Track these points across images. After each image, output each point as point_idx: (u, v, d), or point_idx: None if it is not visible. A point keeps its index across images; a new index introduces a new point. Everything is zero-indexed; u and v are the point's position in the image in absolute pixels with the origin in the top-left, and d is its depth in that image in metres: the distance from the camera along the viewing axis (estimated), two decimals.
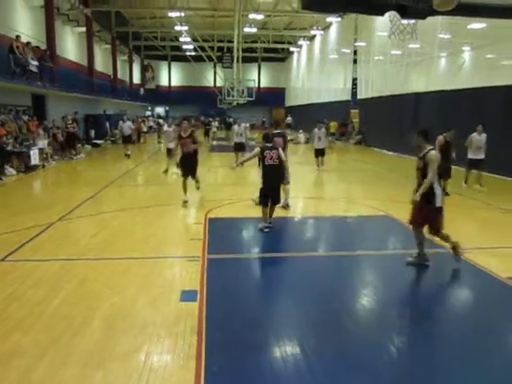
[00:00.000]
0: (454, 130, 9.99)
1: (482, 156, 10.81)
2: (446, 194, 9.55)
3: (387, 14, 3.14)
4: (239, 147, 14.72)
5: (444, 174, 9.67)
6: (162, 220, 7.73)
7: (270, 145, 7.12)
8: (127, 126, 17.88)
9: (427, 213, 5.31)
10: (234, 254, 5.93)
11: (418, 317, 4.45)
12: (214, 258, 5.66)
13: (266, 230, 6.85)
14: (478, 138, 10.85)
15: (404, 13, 2.98)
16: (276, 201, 7.06)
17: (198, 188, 9.16)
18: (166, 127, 14.12)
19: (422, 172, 5.32)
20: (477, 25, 18.63)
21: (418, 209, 5.35)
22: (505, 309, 4.54)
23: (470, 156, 10.90)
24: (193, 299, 4.38)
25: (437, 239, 5.76)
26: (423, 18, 3.05)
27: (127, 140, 18.10)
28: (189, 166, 8.78)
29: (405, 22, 3.48)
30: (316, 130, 14.48)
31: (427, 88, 18.71)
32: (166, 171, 12.75)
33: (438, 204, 5.28)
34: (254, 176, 9.90)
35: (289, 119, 39.30)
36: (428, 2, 2.80)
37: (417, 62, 21.82)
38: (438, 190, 5.29)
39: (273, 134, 8.53)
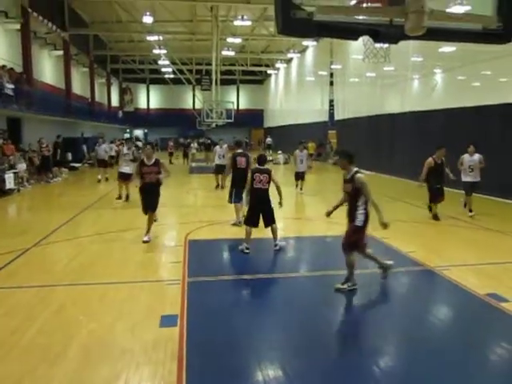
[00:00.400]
0: (443, 147, 9.67)
1: (475, 179, 10.04)
2: (436, 218, 9.56)
3: (361, 39, 3.21)
4: (220, 169, 13.66)
5: (435, 197, 9.67)
6: (141, 243, 7.61)
7: (262, 167, 6.93)
8: (102, 150, 17.27)
9: (350, 232, 5.23)
10: (214, 276, 5.86)
11: (400, 334, 4.46)
12: (195, 281, 5.59)
13: (247, 251, 6.82)
14: (469, 159, 10.14)
15: (377, 37, 3.06)
16: (269, 222, 6.94)
17: (155, 220, 8.17)
18: (125, 149, 13.20)
19: (353, 195, 5.20)
20: (447, 48, 19.31)
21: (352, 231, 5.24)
22: (483, 325, 4.60)
23: (463, 179, 10.19)
24: (173, 324, 4.30)
25: (417, 257, 5.84)
26: (395, 42, 3.13)
27: (102, 164, 17.32)
28: (150, 199, 7.70)
29: (378, 45, 3.60)
30: (298, 151, 13.70)
31: (402, 109, 19.19)
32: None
33: (359, 224, 5.17)
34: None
35: (269, 140, 39.25)
36: (399, 27, 2.88)
37: (391, 84, 22.41)
38: (363, 211, 5.20)
39: (235, 154, 8.61)
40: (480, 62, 20.13)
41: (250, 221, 6.91)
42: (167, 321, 4.39)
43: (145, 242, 7.55)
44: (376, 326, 4.61)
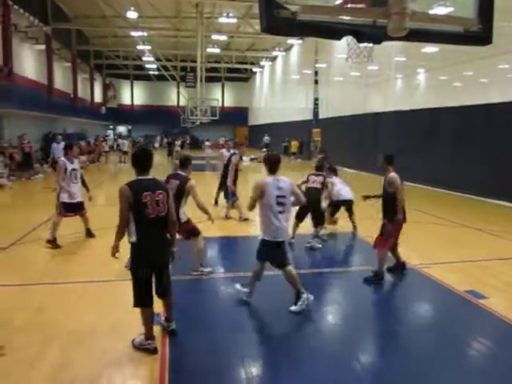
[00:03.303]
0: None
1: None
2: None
3: (344, 38, 3.23)
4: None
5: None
6: (123, 242, 7.51)
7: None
8: (60, 150, 14.04)
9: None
10: (199, 274, 5.84)
11: (382, 330, 4.52)
12: (179, 280, 5.55)
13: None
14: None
15: (360, 37, 3.08)
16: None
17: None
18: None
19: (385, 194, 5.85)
20: (430, 49, 19.54)
21: None
22: (462, 321, 4.68)
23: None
24: (156, 322, 4.26)
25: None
26: (378, 42, 3.16)
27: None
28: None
29: (361, 45, 3.63)
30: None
31: (385, 108, 19.37)
32: None
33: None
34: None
35: (266, 138, 35.52)
36: (382, 28, 2.91)
37: (375, 83, 22.62)
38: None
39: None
40: (462, 63, 20.46)
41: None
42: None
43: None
44: (358, 322, 4.66)
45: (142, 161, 3.80)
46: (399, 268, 6.04)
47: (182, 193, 5.49)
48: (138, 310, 3.90)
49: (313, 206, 7.03)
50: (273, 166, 4.75)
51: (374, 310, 5.12)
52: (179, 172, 5.74)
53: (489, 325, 4.64)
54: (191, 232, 5.79)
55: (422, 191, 14.77)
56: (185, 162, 5.78)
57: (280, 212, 4.61)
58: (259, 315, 4.78)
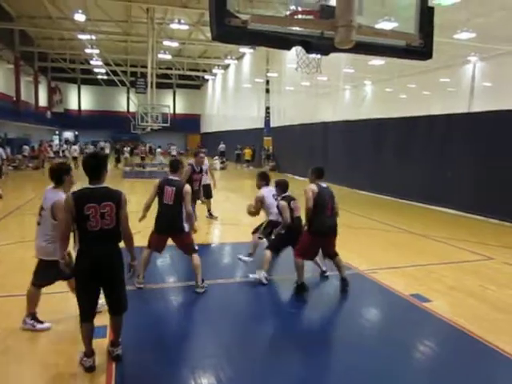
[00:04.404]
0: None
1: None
2: None
3: (294, 49, 3.29)
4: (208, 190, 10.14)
5: None
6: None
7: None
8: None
9: None
10: (149, 283, 5.69)
11: (329, 335, 4.59)
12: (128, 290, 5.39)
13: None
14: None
15: (309, 48, 3.14)
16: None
17: None
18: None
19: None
20: (376, 61, 20.35)
21: None
22: (408, 324, 4.85)
23: None
24: (102, 335, 4.10)
25: (347, 261, 6.05)
26: (326, 53, 3.24)
27: None
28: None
29: (310, 56, 3.71)
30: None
31: (334, 118, 19.92)
32: None
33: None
34: None
35: (222, 146, 33.97)
36: (330, 40, 2.99)
37: (325, 93, 23.25)
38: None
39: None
40: (406, 76, 21.46)
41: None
42: (96, 332, 4.18)
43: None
44: (306, 328, 4.71)
45: (91, 168, 3.55)
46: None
47: (180, 199, 5.31)
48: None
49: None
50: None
51: (319, 314, 5.20)
52: (171, 177, 5.52)
53: (432, 327, 4.84)
54: (191, 246, 5.55)
55: (368, 198, 15.28)
56: (176, 166, 5.60)
57: None
58: (213, 324, 4.72)
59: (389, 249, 8.10)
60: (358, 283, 6.00)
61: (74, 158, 25.62)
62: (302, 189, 5.47)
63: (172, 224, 5.41)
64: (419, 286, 5.92)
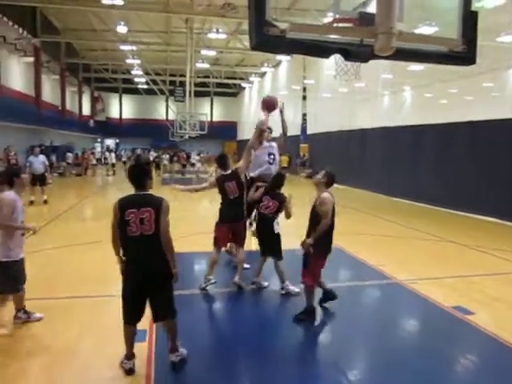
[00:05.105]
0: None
1: None
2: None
3: (332, 56, 3.28)
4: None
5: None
6: (110, 256, 7.40)
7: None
8: (40, 162, 13.39)
9: None
10: (185, 289, 5.77)
11: (370, 346, 4.50)
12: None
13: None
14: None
15: (348, 56, 3.12)
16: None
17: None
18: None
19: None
20: (416, 67, 19.93)
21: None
22: (450, 337, 4.69)
23: None
24: (141, 339, 4.19)
25: (386, 270, 5.92)
26: (366, 61, 3.21)
27: (39, 180, 13.27)
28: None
29: (349, 63, 3.68)
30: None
31: (372, 124, 19.62)
32: None
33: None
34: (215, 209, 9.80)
35: None
36: (369, 47, 2.96)
37: (362, 100, 22.95)
38: None
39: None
40: (447, 81, 20.90)
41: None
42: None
43: None
44: (346, 338, 4.64)
45: (134, 177, 3.68)
46: (328, 296, 5.29)
47: (242, 191, 5.65)
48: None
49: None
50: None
51: (362, 326, 5.09)
52: (225, 173, 5.75)
53: (476, 341, 4.66)
54: (244, 236, 5.85)
55: (406, 206, 14.93)
56: (223, 162, 5.86)
57: None
58: (253, 329, 4.73)
59: (429, 259, 7.87)
60: (398, 294, 5.86)
61: (113, 165, 26.62)
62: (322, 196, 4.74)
63: (237, 213, 5.68)
64: (461, 297, 5.71)
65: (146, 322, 4.60)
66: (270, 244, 5.62)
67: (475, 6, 3.66)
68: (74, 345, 4.18)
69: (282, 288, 5.63)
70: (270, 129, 6.72)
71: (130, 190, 3.71)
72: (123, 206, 3.57)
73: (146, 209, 3.55)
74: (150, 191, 3.73)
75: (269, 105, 6.23)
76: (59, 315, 4.89)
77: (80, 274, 6.44)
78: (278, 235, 5.67)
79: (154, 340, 4.25)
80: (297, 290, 5.52)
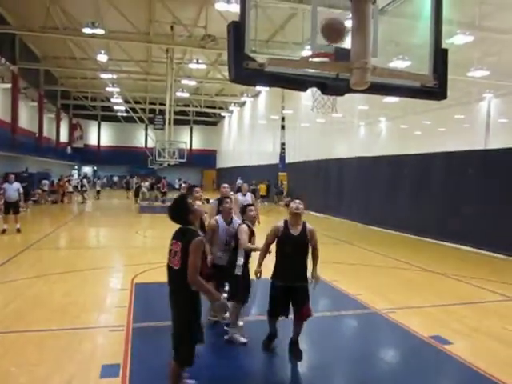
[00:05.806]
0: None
1: None
2: None
3: (310, 89, 3.37)
4: None
5: None
6: (85, 286, 7.25)
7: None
8: (14, 189, 13.08)
9: None
10: (162, 321, 5.62)
11: (347, 376, 4.44)
12: (140, 327, 5.36)
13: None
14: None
15: (324, 89, 3.21)
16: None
17: None
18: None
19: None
20: (390, 99, 20.56)
21: None
22: (428, 367, 4.67)
23: None
24: (115, 375, 4.06)
25: (365, 299, 5.91)
26: (342, 94, 3.30)
27: (13, 208, 13.02)
28: None
29: (326, 97, 3.77)
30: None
31: (349, 154, 20.01)
32: None
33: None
34: None
35: (239, 182, 32.64)
36: (345, 81, 3.05)
37: (340, 130, 23.45)
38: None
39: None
40: (420, 113, 21.60)
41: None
42: (108, 371, 4.13)
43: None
44: (323, 369, 4.57)
45: (171, 219, 3.60)
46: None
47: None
48: (96, 359, 3.69)
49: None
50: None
51: (338, 356, 5.04)
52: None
53: (453, 371, 4.66)
54: None
55: (383, 234, 15.10)
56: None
57: None
58: (231, 362, 4.62)
59: (406, 288, 7.92)
60: (376, 323, 5.85)
61: (83, 191, 26.95)
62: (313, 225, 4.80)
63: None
64: (439, 327, 5.74)
65: (119, 356, 4.47)
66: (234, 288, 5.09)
67: (446, 42, 3.82)
68: (43, 382, 4.00)
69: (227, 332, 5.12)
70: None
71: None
72: (172, 235, 3.61)
73: (176, 241, 3.52)
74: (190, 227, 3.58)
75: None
76: (28, 349, 4.69)
77: (50, 305, 6.23)
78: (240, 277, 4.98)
79: (127, 375, 4.10)
80: (244, 340, 4.99)
